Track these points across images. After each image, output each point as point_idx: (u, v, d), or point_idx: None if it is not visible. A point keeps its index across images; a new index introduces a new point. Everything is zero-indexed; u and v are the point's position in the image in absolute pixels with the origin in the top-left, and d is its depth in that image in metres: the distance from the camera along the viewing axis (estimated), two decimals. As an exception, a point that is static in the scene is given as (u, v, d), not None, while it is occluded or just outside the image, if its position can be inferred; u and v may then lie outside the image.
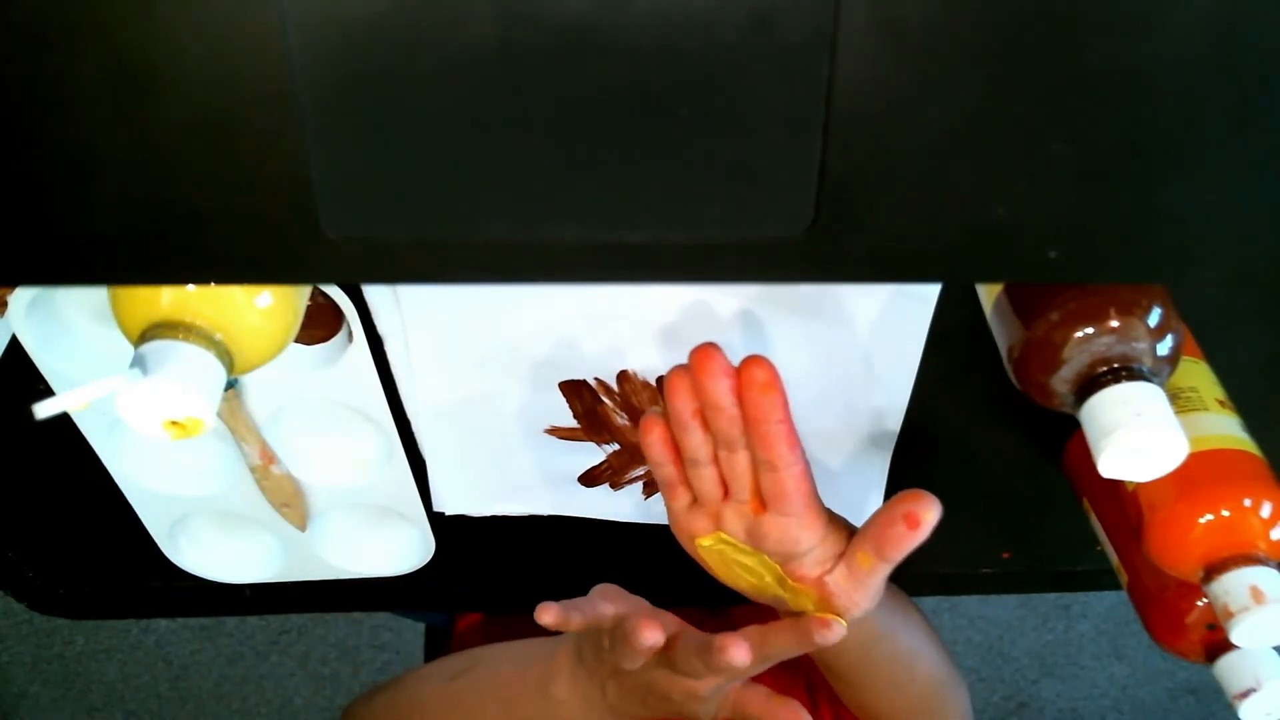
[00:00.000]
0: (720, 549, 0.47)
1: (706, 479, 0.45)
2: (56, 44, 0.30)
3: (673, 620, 0.47)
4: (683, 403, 0.42)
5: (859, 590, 0.45)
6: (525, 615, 0.48)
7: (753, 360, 0.40)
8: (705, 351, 0.41)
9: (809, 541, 0.45)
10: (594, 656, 0.49)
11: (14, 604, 0.66)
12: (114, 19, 0.29)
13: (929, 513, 0.42)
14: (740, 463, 0.44)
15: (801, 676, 0.64)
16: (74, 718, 1.60)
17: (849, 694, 0.57)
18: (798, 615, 0.46)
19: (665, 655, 0.46)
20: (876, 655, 0.53)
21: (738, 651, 0.42)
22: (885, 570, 0.44)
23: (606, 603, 0.47)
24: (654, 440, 0.45)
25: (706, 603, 0.70)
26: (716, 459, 0.45)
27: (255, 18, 0.29)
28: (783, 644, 0.45)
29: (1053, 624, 1.61)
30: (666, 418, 0.44)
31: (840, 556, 0.45)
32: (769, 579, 0.47)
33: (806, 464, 0.44)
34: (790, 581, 0.46)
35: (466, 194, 0.33)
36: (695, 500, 0.47)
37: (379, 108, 0.31)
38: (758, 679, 0.64)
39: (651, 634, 0.43)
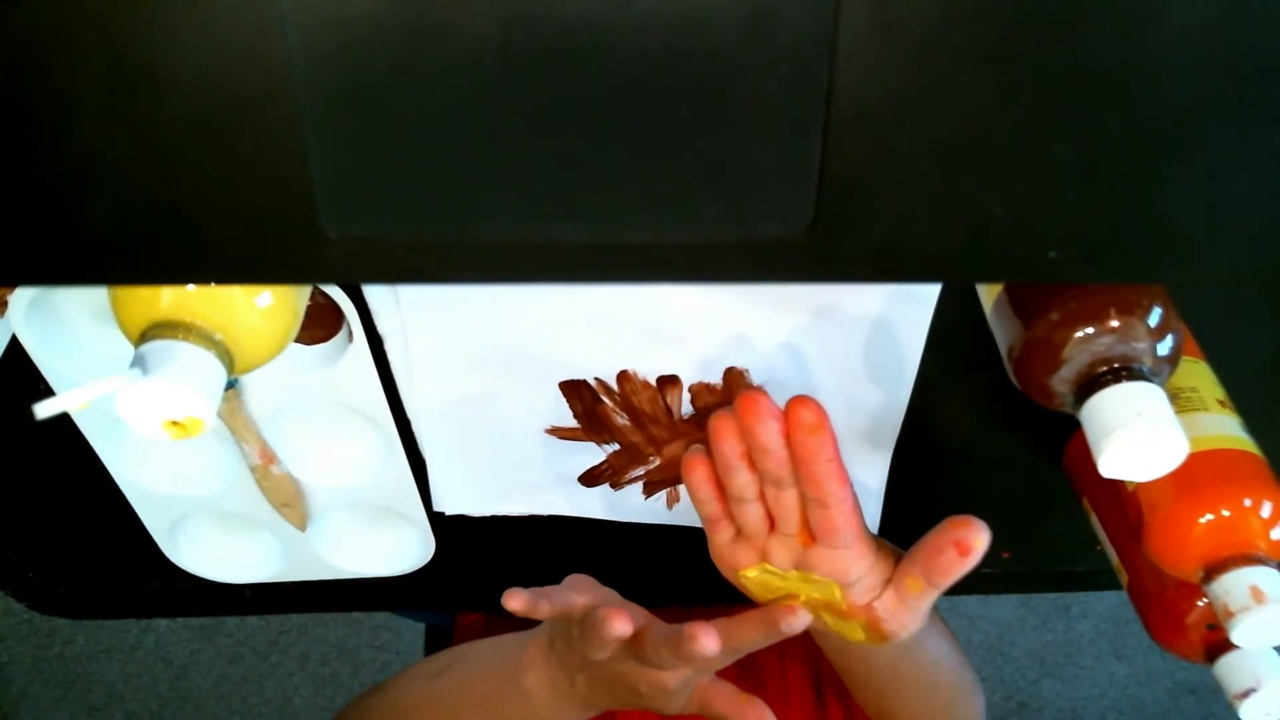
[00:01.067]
0: (764, 578, 0.47)
1: (752, 515, 0.45)
2: (56, 44, 0.30)
3: (641, 612, 0.47)
4: (730, 446, 0.43)
5: (907, 614, 0.45)
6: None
7: (800, 401, 0.41)
8: (752, 398, 0.41)
9: (859, 571, 0.45)
10: (564, 647, 0.49)
11: (14, 604, 0.67)
12: (114, 19, 0.29)
13: (979, 539, 0.42)
14: (788, 499, 0.44)
15: (811, 674, 0.64)
16: (74, 718, 1.60)
17: (871, 701, 0.57)
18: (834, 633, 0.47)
19: (634, 647, 0.46)
20: (905, 665, 0.54)
21: (707, 640, 0.42)
22: (933, 596, 0.45)
23: (576, 593, 0.47)
24: (698, 479, 0.45)
25: (706, 602, 0.70)
26: (762, 495, 0.45)
27: (255, 18, 0.29)
28: (751, 635, 0.45)
29: (1053, 624, 1.61)
30: (709, 455, 0.45)
31: (888, 582, 0.45)
32: (814, 606, 0.47)
33: (855, 497, 0.44)
34: (841, 607, 0.46)
35: (466, 194, 0.33)
36: (739, 533, 0.47)
37: (379, 107, 0.31)
38: (772, 674, 0.64)
39: (620, 624, 0.43)
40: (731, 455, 0.43)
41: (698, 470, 0.45)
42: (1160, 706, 1.68)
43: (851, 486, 0.44)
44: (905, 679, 0.55)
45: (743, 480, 0.44)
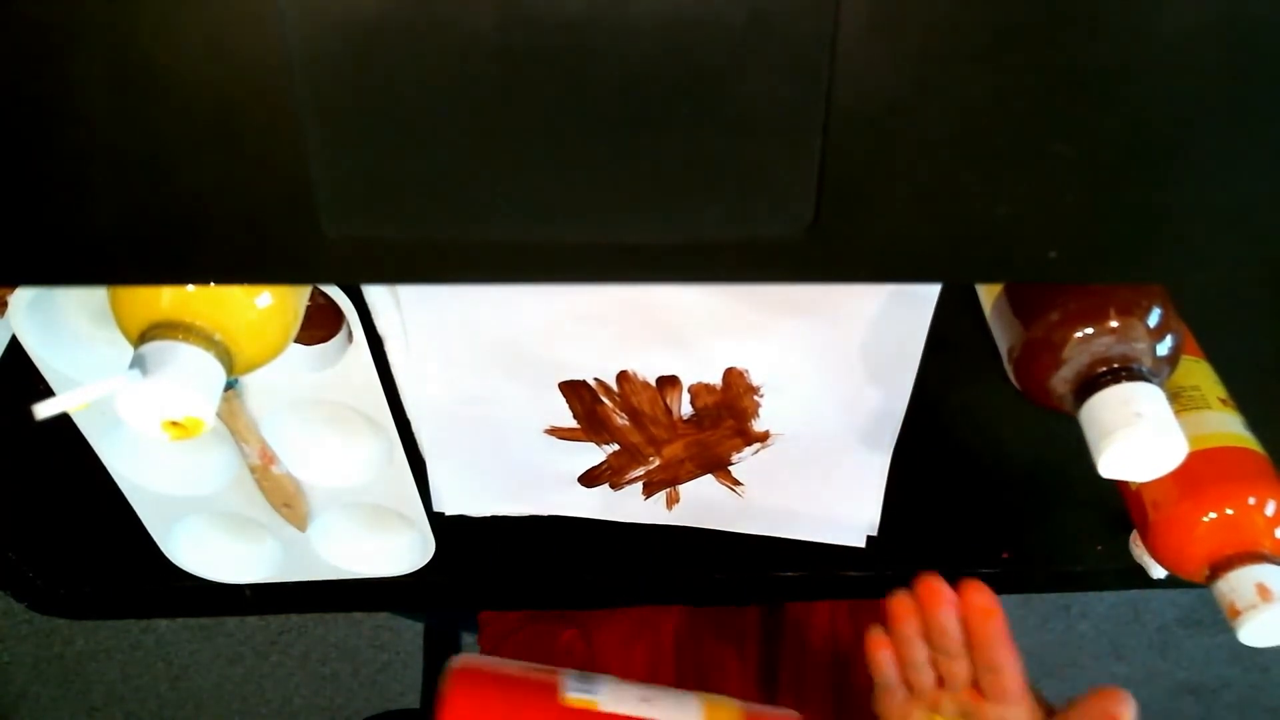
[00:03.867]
0: None
1: (926, 678, 0.49)
2: (57, 44, 0.30)
3: None
4: (909, 628, 0.48)
5: None
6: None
7: (974, 588, 0.45)
8: (932, 586, 0.46)
9: None
10: None
11: (14, 604, 0.66)
12: (114, 19, 0.29)
13: (1128, 714, 0.45)
14: (959, 667, 0.47)
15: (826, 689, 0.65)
16: (74, 718, 1.60)
17: None
18: None
19: None
20: None
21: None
22: None
23: None
24: (883, 660, 0.50)
25: (705, 602, 0.70)
26: (935, 665, 0.48)
27: (255, 17, 0.29)
28: None
29: (1053, 624, 1.61)
30: (887, 635, 0.49)
31: None
32: None
33: (1019, 658, 0.47)
34: None
35: (466, 194, 0.33)
36: (910, 692, 0.51)
37: (379, 108, 0.31)
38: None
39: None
40: (910, 634, 0.48)
41: (883, 651, 0.50)
42: (1160, 706, 1.68)
43: (1015, 649, 0.47)
44: None
45: (919, 655, 0.48)
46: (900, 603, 0.48)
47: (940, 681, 0.49)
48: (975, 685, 0.48)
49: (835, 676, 0.66)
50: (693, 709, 0.48)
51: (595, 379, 0.53)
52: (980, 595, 0.45)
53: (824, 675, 0.66)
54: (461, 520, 0.61)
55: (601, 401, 0.54)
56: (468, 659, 0.48)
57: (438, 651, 0.94)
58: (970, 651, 0.47)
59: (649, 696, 0.46)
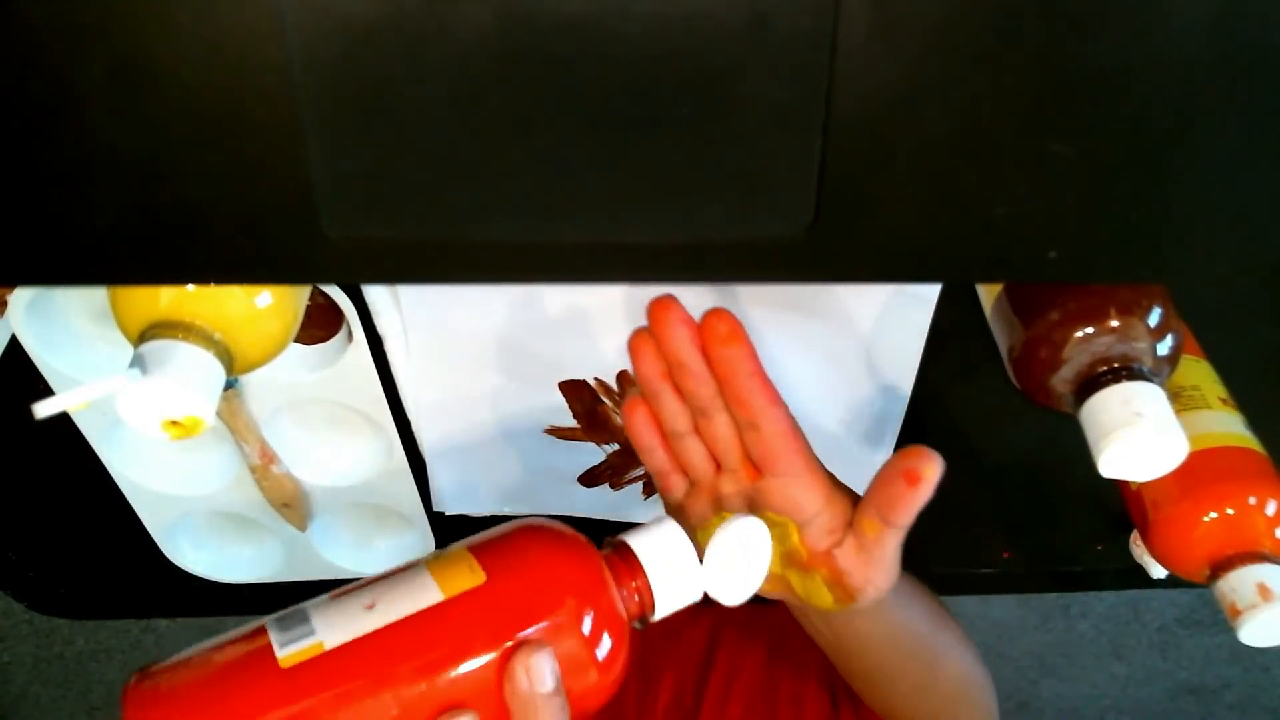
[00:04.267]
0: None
1: (694, 452, 0.43)
2: (56, 44, 0.30)
3: None
4: (649, 366, 0.41)
5: (871, 565, 0.42)
6: None
7: (712, 313, 0.38)
8: (661, 303, 0.39)
9: (812, 505, 0.42)
10: None
11: (14, 604, 0.66)
12: (114, 19, 0.29)
13: (930, 468, 0.39)
14: (721, 426, 0.42)
15: (827, 686, 0.64)
16: (74, 718, 1.60)
17: (872, 694, 0.55)
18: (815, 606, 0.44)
19: None
20: (897, 652, 0.50)
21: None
22: (894, 538, 0.41)
23: None
24: (639, 422, 0.43)
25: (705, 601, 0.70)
26: (699, 431, 0.42)
27: (255, 17, 0.29)
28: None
29: (1053, 624, 1.61)
30: (642, 395, 0.43)
31: (848, 527, 0.42)
32: (776, 561, 0.44)
33: (792, 419, 0.41)
34: (801, 556, 0.43)
35: (466, 194, 0.33)
36: (691, 487, 0.45)
37: (379, 107, 0.31)
38: (786, 681, 0.63)
39: None
40: (653, 377, 0.41)
41: (637, 412, 0.43)
42: (1160, 706, 1.68)
43: (786, 408, 0.41)
44: (900, 668, 0.51)
45: (672, 408, 0.42)
46: (637, 336, 0.40)
47: (718, 466, 0.43)
48: (752, 462, 0.42)
49: (833, 681, 0.65)
50: (424, 583, 0.38)
51: (595, 379, 0.53)
52: (719, 318, 0.38)
53: (824, 679, 0.66)
54: (461, 520, 0.61)
55: (601, 401, 0.54)
56: (148, 671, 0.37)
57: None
58: (729, 406, 0.40)
59: (375, 598, 0.37)
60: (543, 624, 0.36)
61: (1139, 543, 0.60)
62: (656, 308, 0.39)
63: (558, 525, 0.40)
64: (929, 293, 0.49)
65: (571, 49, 0.30)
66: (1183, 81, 0.31)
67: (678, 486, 0.45)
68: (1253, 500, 0.42)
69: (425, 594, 0.37)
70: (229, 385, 0.51)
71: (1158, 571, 0.60)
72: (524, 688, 0.35)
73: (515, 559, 0.38)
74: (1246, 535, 0.42)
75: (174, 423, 0.37)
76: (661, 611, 0.39)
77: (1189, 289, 0.41)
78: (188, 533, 0.62)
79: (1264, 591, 0.40)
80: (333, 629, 0.36)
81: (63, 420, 0.53)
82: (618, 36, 0.30)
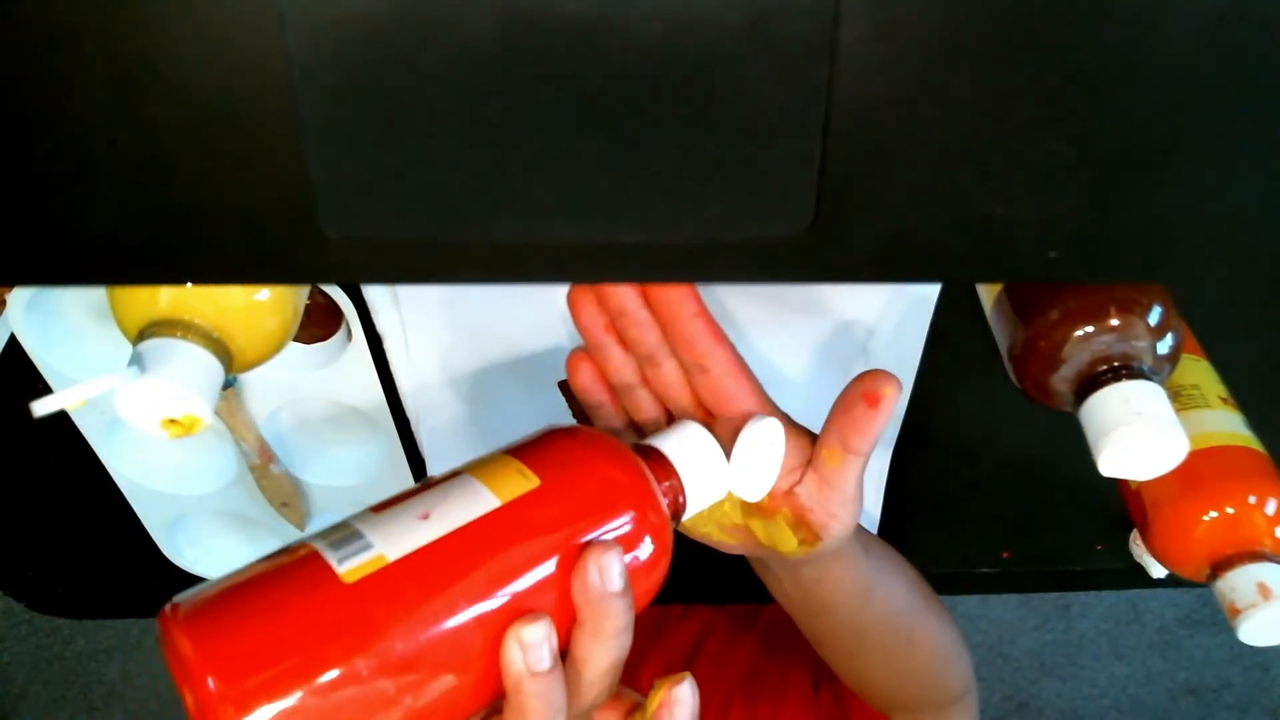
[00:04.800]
0: None
1: (644, 403, 0.42)
2: (56, 44, 0.30)
3: None
4: (590, 318, 0.40)
5: (833, 497, 0.41)
6: None
7: None
8: None
9: None
10: None
11: (14, 604, 0.66)
12: (114, 19, 0.29)
13: (888, 388, 0.38)
14: (669, 372, 0.41)
15: (810, 671, 0.64)
16: (74, 718, 1.60)
17: (843, 664, 0.53)
18: (777, 552, 0.43)
19: None
20: (868, 618, 0.49)
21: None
22: (855, 466, 0.40)
23: None
24: (584, 376, 0.42)
25: (704, 600, 0.70)
26: (647, 382, 0.42)
27: (254, 17, 0.29)
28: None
29: (1053, 624, 1.61)
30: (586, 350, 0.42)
31: (809, 464, 0.41)
32: (737, 512, 0.43)
33: (739, 358, 0.40)
34: (764, 500, 0.42)
35: (466, 194, 0.33)
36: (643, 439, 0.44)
37: (379, 107, 0.31)
38: (771, 669, 0.63)
39: None
40: (596, 330, 0.40)
41: (583, 367, 0.42)
42: (1160, 706, 1.68)
43: (732, 347, 0.40)
44: (870, 634, 0.50)
45: (617, 360, 0.41)
46: (575, 289, 0.39)
47: (668, 416, 0.42)
48: (703, 406, 0.41)
49: (815, 666, 0.65)
50: (476, 490, 0.37)
51: (595, 379, 0.53)
52: None
53: (806, 664, 0.65)
54: (461, 520, 0.61)
55: (601, 401, 0.54)
56: (185, 600, 0.34)
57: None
58: (675, 352, 0.40)
59: (427, 508, 0.36)
60: (606, 524, 0.36)
61: (1139, 542, 0.60)
62: None
63: (591, 429, 0.40)
64: (929, 293, 0.49)
65: (572, 49, 0.30)
66: (1183, 81, 0.31)
67: (628, 440, 0.44)
68: (1252, 499, 0.42)
69: (480, 501, 0.36)
70: (228, 384, 0.51)
71: (1158, 571, 0.60)
72: (596, 588, 0.34)
73: (564, 461, 0.37)
74: (1246, 534, 0.42)
75: (173, 421, 0.37)
76: (692, 509, 0.39)
77: (1189, 289, 0.41)
78: (187, 532, 0.62)
79: (1264, 590, 0.40)
80: (391, 541, 0.35)
81: (62, 419, 0.53)
82: (618, 36, 0.30)
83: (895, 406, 0.38)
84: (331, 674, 0.31)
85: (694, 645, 0.66)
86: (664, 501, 0.38)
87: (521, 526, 0.35)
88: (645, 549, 0.37)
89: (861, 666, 0.53)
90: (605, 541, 0.35)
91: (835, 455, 0.40)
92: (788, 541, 0.42)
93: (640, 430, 0.43)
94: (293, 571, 0.34)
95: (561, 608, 0.35)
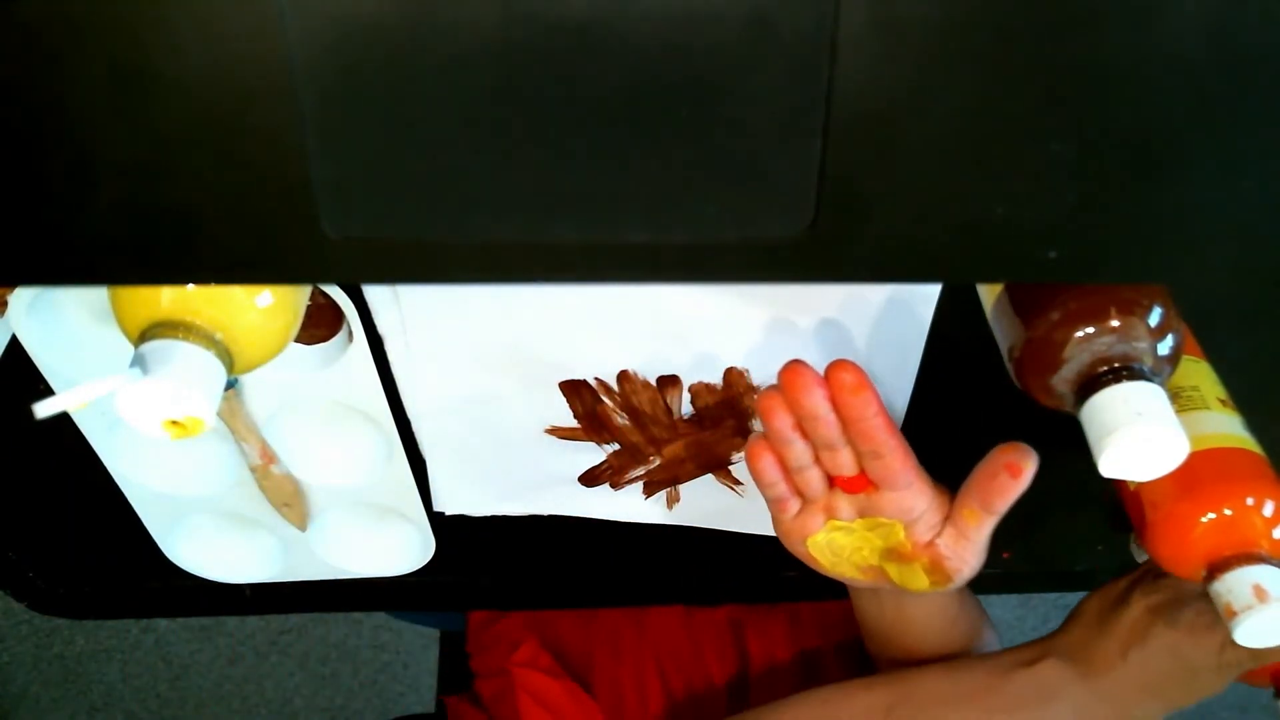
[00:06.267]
0: (831, 538, 0.49)
1: (814, 479, 0.48)
2: (57, 44, 0.30)
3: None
4: (781, 422, 0.45)
5: (968, 549, 0.48)
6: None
7: (839, 365, 0.43)
8: (795, 369, 0.43)
9: (920, 507, 0.47)
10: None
11: (14, 604, 0.66)
12: (114, 19, 0.29)
13: (1028, 461, 0.44)
14: (844, 457, 0.46)
15: (851, 655, 0.66)
16: (74, 718, 1.60)
17: (900, 655, 0.58)
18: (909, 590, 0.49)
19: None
20: (949, 628, 0.56)
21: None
22: (990, 524, 0.47)
23: None
24: (765, 465, 0.47)
25: (704, 601, 0.70)
26: (818, 459, 0.47)
27: (255, 17, 0.29)
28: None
29: (1053, 624, 1.59)
30: (766, 440, 0.47)
31: (946, 520, 0.47)
32: (875, 556, 0.49)
33: (906, 444, 0.46)
34: (905, 549, 0.48)
35: (466, 194, 0.33)
36: (803, 503, 0.49)
37: (379, 108, 0.31)
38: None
39: None
40: (785, 430, 0.45)
41: (764, 456, 0.47)
42: (1160, 706, 1.67)
43: (900, 436, 0.46)
44: (942, 641, 0.57)
45: (799, 450, 0.46)
46: (768, 397, 0.45)
47: (832, 483, 0.48)
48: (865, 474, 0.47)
49: (805, 677, 0.66)
50: None
51: (596, 379, 0.53)
52: (846, 371, 0.43)
53: (794, 676, 0.66)
54: (461, 520, 0.61)
55: (602, 401, 0.54)
56: None
57: (453, 654, 0.94)
58: (851, 440, 0.45)
59: None
60: None
61: (1139, 543, 0.60)
62: (790, 373, 0.43)
63: None
64: (929, 293, 0.49)
65: (572, 50, 0.30)
66: (1183, 81, 0.31)
67: (791, 508, 0.50)
68: (1250, 501, 0.42)
69: None
70: (229, 385, 0.51)
71: (1158, 571, 0.60)
72: None
73: None
74: (1243, 536, 0.42)
75: (174, 422, 0.37)
76: None
77: (1189, 289, 0.41)
78: (188, 533, 0.62)
79: (1259, 593, 0.40)
80: None
81: (63, 420, 0.53)
82: (618, 36, 0.30)
83: (1032, 477, 0.44)
84: None
85: (736, 642, 0.68)
86: None
87: None
88: None
89: (914, 649, 0.58)
90: None
91: (975, 515, 0.47)
92: (919, 582, 0.49)
93: (803, 497, 0.49)
94: None
95: None
